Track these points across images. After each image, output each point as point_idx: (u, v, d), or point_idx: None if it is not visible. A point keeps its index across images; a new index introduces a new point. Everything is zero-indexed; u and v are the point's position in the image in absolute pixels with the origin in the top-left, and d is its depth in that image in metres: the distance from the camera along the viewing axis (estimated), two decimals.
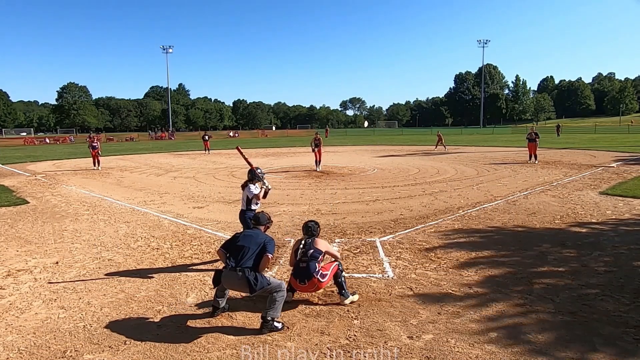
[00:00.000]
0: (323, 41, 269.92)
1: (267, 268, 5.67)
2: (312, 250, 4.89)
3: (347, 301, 4.90)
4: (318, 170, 18.54)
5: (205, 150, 32.43)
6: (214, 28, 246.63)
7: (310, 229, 5.14)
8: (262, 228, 4.99)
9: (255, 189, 6.38)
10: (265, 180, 6.46)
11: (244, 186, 6.45)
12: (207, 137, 33.64)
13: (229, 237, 5.01)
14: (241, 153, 6.50)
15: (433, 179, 15.23)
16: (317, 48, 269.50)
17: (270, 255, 4.49)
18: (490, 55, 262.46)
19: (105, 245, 7.48)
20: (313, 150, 19.16)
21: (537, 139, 19.62)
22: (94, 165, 21.51)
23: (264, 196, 6.49)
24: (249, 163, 6.44)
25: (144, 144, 54.40)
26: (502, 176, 15.61)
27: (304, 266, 4.82)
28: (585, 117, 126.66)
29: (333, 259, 5.14)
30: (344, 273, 5.10)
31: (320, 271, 4.84)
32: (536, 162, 19.48)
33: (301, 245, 4.99)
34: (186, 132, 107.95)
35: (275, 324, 4.30)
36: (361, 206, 10.53)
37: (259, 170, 6.48)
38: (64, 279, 5.87)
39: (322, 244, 5.05)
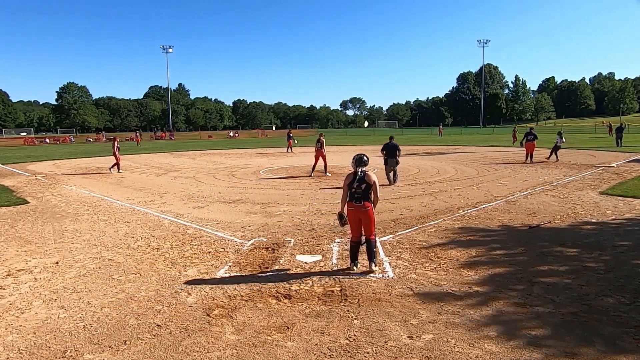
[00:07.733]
0: (323, 41, 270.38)
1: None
2: (364, 185, 5.50)
3: (375, 268, 5.78)
4: (327, 174, 16.56)
5: (288, 149, 31.64)
6: (214, 28, 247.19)
7: (361, 161, 5.62)
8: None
9: None
10: None
11: None
12: (291, 135, 32.98)
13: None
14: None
15: (433, 179, 15.23)
16: (317, 48, 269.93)
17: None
18: (490, 55, 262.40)
19: (105, 245, 7.48)
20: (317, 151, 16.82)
21: (535, 140, 20.20)
22: (118, 169, 19.34)
23: None
24: None
25: (144, 144, 54.34)
26: (502, 176, 15.62)
27: (360, 196, 5.51)
28: (585, 117, 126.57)
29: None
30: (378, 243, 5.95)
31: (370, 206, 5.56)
32: (531, 162, 19.75)
33: (356, 178, 5.46)
34: (186, 132, 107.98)
35: None
36: None
37: None
38: (64, 279, 5.87)
39: (373, 177, 5.56)
